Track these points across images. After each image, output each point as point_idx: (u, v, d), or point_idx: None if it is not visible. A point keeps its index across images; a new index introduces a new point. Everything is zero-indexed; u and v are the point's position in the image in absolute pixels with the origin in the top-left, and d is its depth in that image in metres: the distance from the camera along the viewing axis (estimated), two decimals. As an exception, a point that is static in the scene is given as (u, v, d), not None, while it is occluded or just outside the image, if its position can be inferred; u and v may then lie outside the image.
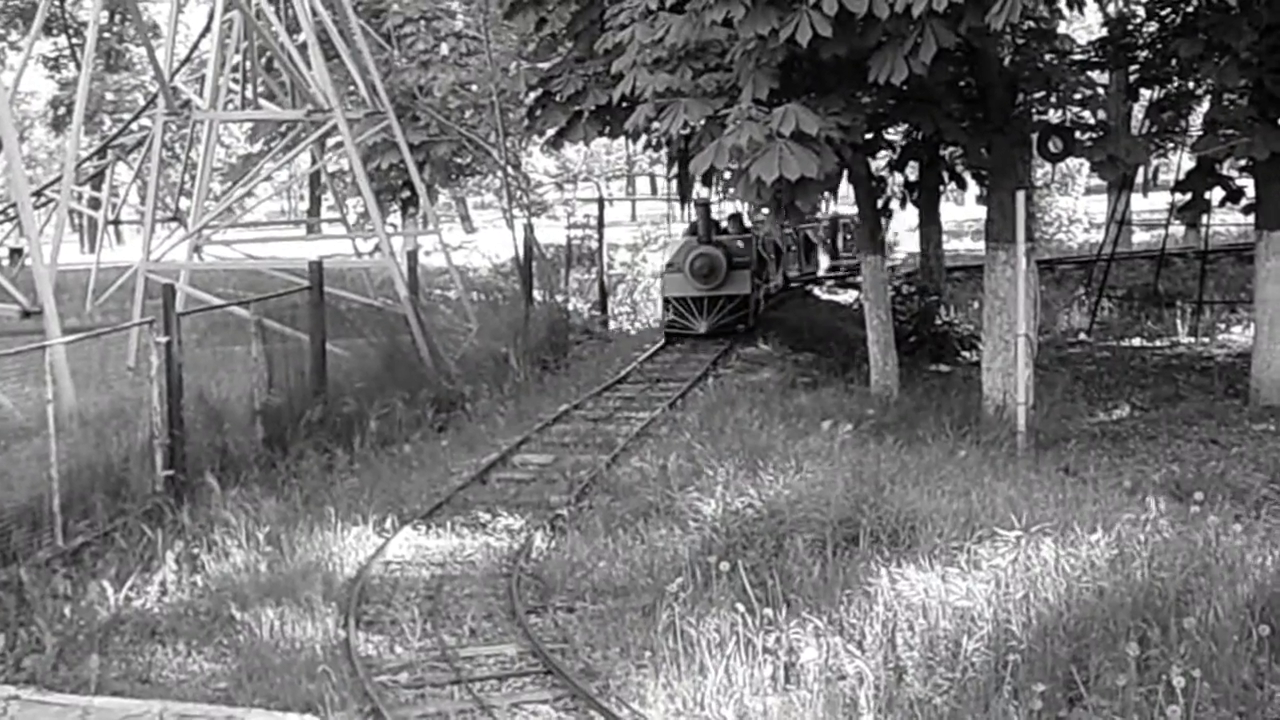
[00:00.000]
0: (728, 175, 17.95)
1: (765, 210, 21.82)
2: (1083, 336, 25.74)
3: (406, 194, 37.45)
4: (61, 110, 51.80)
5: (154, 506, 12.94)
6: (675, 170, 25.93)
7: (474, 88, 35.08)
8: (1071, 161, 33.56)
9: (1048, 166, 37.86)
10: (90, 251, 39.49)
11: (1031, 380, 16.58)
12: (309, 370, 16.87)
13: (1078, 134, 17.48)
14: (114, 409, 14.86)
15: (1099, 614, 9.16)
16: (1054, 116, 18.12)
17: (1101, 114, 18.15)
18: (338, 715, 9.00)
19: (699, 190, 25.27)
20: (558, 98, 19.13)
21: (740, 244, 25.32)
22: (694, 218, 25.98)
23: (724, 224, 26.97)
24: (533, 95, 21.04)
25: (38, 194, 29.65)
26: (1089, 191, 47.49)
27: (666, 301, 24.97)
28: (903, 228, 36.69)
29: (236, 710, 9.22)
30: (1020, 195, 16.64)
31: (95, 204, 33.87)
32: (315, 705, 9.12)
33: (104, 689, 9.62)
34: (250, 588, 11.13)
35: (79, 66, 32.55)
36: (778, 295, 27.87)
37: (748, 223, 27.08)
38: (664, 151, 27.39)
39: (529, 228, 27.88)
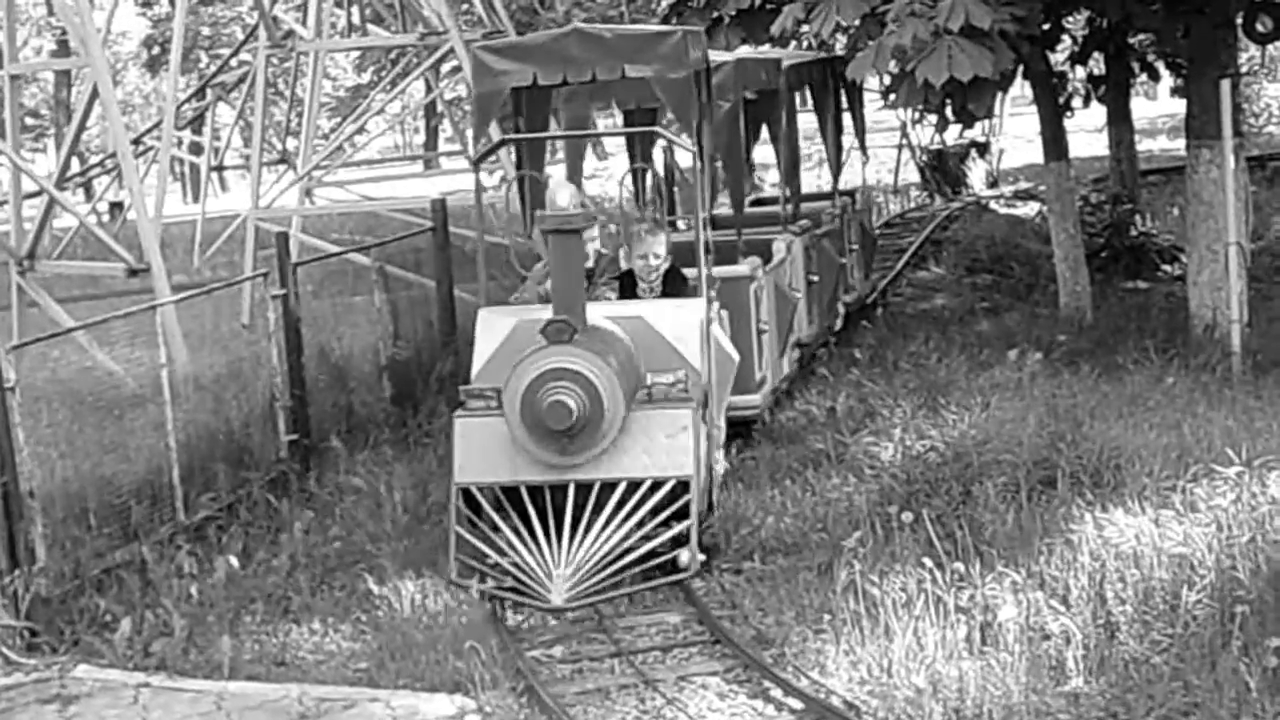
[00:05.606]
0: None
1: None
2: (1302, 241, 25.05)
3: (531, 120, 37.48)
4: (156, 50, 52.87)
5: (279, 475, 13.17)
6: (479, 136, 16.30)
7: (600, -2, 35.04)
8: (1281, 43, 32.61)
9: (1255, 50, 36.69)
10: (193, 201, 40.40)
11: (1245, 294, 16.17)
12: (437, 319, 16.98)
13: (1290, 9, 16.95)
14: (231, 371, 15.11)
15: (1339, 556, 8.94)
16: (1261, -9, 17.57)
17: (1318, -16, 17.51)
18: (489, 694, 9.07)
19: (552, 175, 13.48)
20: (694, 3, 18.99)
21: (671, 332, 11.35)
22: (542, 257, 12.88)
23: (658, 265, 12.28)
24: (665, 2, 20.93)
25: (135, 142, 30.27)
26: (1302, 76, 46.09)
27: (465, 496, 10.83)
28: (1089, 127, 35.95)
29: (380, 692, 9.35)
30: (1225, 84, 16.15)
31: (196, 149, 34.48)
32: (464, 684, 9.20)
33: (237, 673, 9.82)
34: (387, 559, 11.29)
35: (173, 1, 33.10)
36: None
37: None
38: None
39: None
